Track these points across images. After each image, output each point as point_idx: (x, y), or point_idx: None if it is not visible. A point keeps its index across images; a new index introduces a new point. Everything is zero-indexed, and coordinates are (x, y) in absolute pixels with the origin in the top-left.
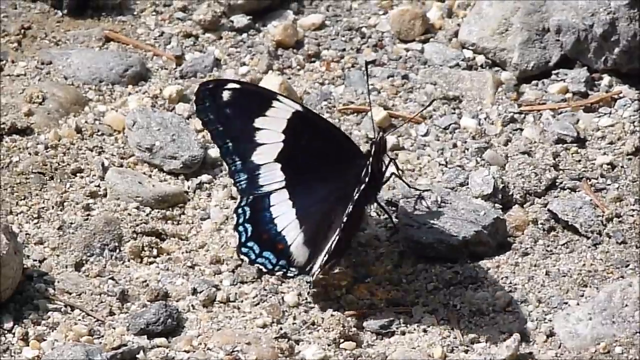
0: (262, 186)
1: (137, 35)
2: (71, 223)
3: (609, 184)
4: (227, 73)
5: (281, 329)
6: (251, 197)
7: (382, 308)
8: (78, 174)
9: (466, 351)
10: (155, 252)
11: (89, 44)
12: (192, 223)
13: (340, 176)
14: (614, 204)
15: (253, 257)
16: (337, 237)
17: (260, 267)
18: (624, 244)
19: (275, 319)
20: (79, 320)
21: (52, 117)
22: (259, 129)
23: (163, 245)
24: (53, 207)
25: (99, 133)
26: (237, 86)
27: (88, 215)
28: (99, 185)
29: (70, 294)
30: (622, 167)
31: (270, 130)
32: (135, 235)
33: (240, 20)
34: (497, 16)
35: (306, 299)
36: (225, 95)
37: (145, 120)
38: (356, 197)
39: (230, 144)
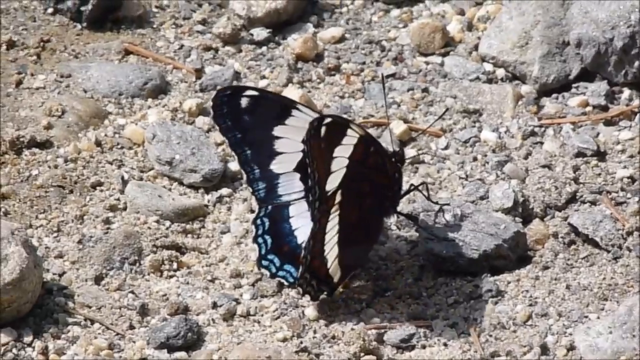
0: (280, 196)
1: (157, 49)
2: (91, 237)
3: (629, 198)
4: None
5: (301, 342)
6: (270, 207)
7: (402, 322)
8: (98, 188)
9: None
10: (175, 265)
11: (109, 57)
12: (212, 237)
13: None
14: (635, 218)
15: (274, 270)
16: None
17: (282, 280)
18: None
19: (296, 333)
20: (99, 334)
21: (71, 130)
22: (278, 137)
23: (183, 259)
24: (73, 221)
25: (119, 146)
26: (256, 93)
27: (108, 228)
28: (118, 199)
29: (90, 307)
30: None
31: (290, 139)
32: (155, 249)
33: (260, 33)
34: (517, 29)
35: (327, 312)
36: (244, 102)
37: (165, 133)
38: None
39: (248, 152)
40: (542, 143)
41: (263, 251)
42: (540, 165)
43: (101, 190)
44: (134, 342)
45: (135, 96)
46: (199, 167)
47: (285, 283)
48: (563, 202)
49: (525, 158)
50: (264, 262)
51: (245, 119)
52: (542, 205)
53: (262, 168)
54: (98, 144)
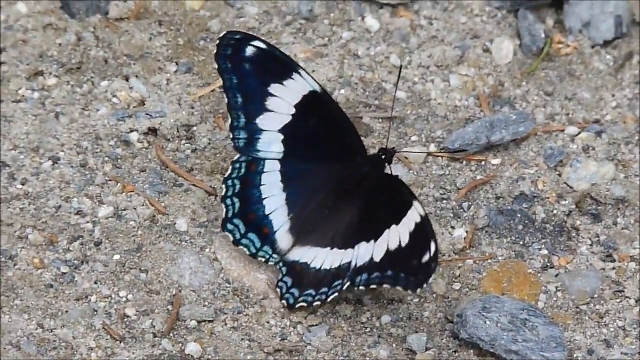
0: (258, 150)
1: None
2: None
3: None
4: None
5: None
6: (243, 168)
7: None
8: None
9: None
10: None
11: None
12: None
13: (338, 169)
14: None
15: (238, 236)
16: None
17: (244, 248)
18: None
19: None
20: None
21: None
22: (272, 95)
23: None
24: None
25: None
26: (263, 46)
27: None
28: None
29: None
30: None
31: (283, 100)
32: None
33: None
34: None
35: None
36: (249, 50)
37: None
38: None
39: (239, 98)
40: None
41: (230, 214)
42: None
43: None
44: None
45: None
46: None
47: (247, 252)
48: None
49: None
50: (229, 226)
51: (245, 67)
52: None
53: (248, 119)
54: None
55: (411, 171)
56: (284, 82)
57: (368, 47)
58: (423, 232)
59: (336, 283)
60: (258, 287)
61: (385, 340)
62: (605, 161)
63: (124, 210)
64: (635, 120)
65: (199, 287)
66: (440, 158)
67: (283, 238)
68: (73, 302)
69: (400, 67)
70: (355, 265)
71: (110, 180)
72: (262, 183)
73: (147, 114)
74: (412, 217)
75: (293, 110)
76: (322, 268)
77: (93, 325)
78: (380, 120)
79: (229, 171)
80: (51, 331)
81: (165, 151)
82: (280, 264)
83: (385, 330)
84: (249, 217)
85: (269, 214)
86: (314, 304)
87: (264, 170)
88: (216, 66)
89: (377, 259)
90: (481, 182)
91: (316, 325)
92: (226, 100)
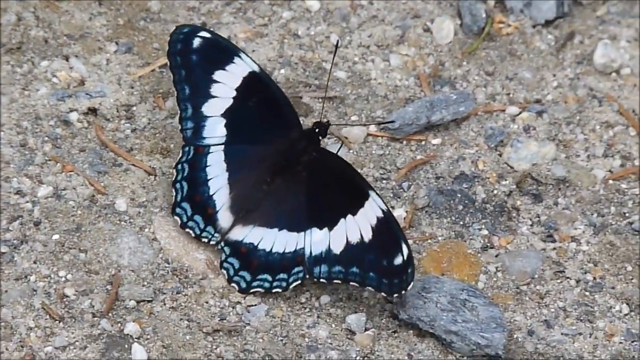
0: (204, 138)
1: None
2: None
3: None
4: None
5: None
6: (192, 152)
7: None
8: None
9: None
10: None
11: None
12: None
13: (275, 146)
14: None
15: (185, 219)
16: None
17: (189, 231)
18: None
19: None
20: None
21: None
22: (216, 81)
23: None
24: None
25: None
26: (208, 36)
27: None
28: None
29: None
30: None
31: (225, 85)
32: None
33: None
34: None
35: None
36: (196, 42)
37: None
38: None
39: (187, 90)
40: None
41: (179, 198)
42: None
43: None
44: None
45: None
46: None
47: (192, 235)
48: None
49: None
50: (178, 210)
51: (192, 59)
52: None
53: (195, 108)
54: None
55: (351, 151)
56: (227, 68)
57: (308, 27)
58: (388, 230)
59: (297, 270)
60: (197, 267)
61: (324, 320)
62: (546, 141)
63: (63, 190)
64: (576, 100)
65: (138, 267)
66: (380, 138)
67: (223, 216)
68: (12, 282)
69: (337, 44)
70: (311, 253)
71: (49, 160)
72: (207, 164)
73: (87, 94)
74: (372, 209)
75: (234, 94)
76: (274, 251)
77: (32, 305)
78: (320, 100)
79: (179, 155)
80: None
81: (105, 131)
82: (222, 243)
83: (325, 311)
84: (195, 199)
85: (213, 194)
86: (274, 290)
87: (209, 151)
88: (157, 46)
89: (336, 250)
90: (421, 162)
91: (255, 305)
92: (176, 93)
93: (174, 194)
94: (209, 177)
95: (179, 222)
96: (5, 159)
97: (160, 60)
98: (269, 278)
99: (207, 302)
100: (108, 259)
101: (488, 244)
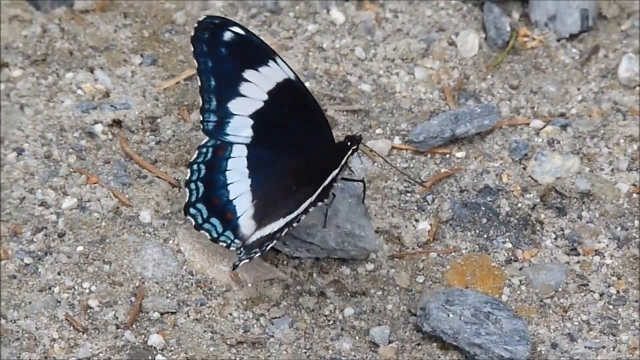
0: (227, 135)
1: None
2: None
3: None
4: None
5: None
6: (209, 155)
7: None
8: None
9: None
10: None
11: None
12: None
13: (305, 156)
14: None
15: (200, 221)
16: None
17: (205, 233)
18: None
19: None
20: None
21: None
22: (246, 80)
23: None
24: None
25: None
26: (242, 32)
27: None
28: None
29: None
30: None
31: (257, 87)
32: None
33: None
34: None
35: None
36: (227, 35)
37: None
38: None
39: (212, 82)
40: None
41: (193, 198)
42: None
43: None
44: None
45: None
46: None
47: (208, 237)
48: None
49: None
50: (192, 211)
51: (222, 51)
52: None
53: (220, 102)
54: None
55: (375, 164)
56: (260, 69)
57: (333, 39)
58: None
59: None
60: (221, 279)
61: (348, 333)
62: (570, 155)
63: (88, 201)
64: (600, 113)
65: (162, 278)
66: (404, 151)
67: (246, 224)
68: (36, 293)
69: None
70: None
71: (74, 171)
72: (228, 168)
73: (111, 105)
74: None
75: (265, 97)
76: None
77: (56, 317)
78: (344, 113)
79: (194, 156)
80: (14, 322)
81: (130, 143)
82: (242, 249)
83: (348, 323)
84: (212, 202)
85: (234, 199)
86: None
87: (231, 155)
88: (182, 59)
89: None
90: (446, 175)
91: (279, 317)
92: (199, 83)
93: (188, 193)
94: (228, 181)
95: (193, 222)
96: (30, 171)
97: (186, 73)
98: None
99: (230, 314)
100: (132, 271)
101: (512, 257)
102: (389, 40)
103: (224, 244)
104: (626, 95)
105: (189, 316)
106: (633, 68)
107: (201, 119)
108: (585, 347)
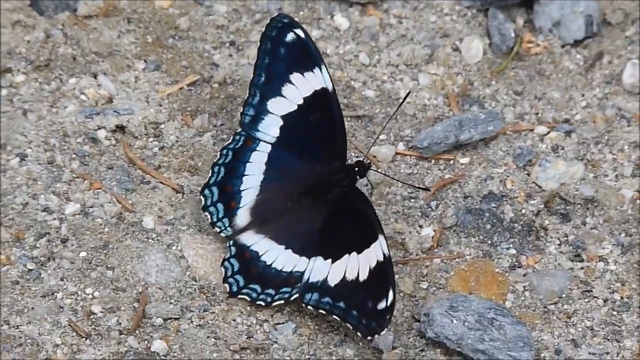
0: (258, 130)
1: None
2: None
3: None
4: None
5: None
6: (239, 144)
7: None
8: None
9: None
10: None
11: None
12: None
13: (315, 169)
14: None
15: (208, 203)
16: None
17: (207, 215)
18: None
19: None
20: None
21: None
22: (291, 82)
23: None
24: None
25: None
26: (302, 35)
27: None
28: None
29: None
30: None
31: (297, 90)
32: None
33: None
34: None
35: None
36: (289, 36)
37: None
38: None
39: (262, 78)
40: None
41: (212, 181)
42: None
43: None
44: None
45: None
46: None
47: (208, 220)
48: None
49: None
50: (206, 192)
51: (280, 51)
52: None
53: (262, 99)
54: None
55: (379, 170)
56: (305, 74)
57: (337, 45)
58: (383, 274)
59: (284, 289)
60: (224, 285)
61: (351, 338)
62: (575, 161)
63: (91, 207)
64: (604, 120)
65: (165, 284)
66: (408, 157)
67: (242, 215)
68: (39, 299)
69: (407, 95)
70: (308, 279)
71: (77, 177)
72: (250, 160)
73: (115, 111)
74: (375, 252)
75: (301, 102)
76: (273, 266)
77: (59, 322)
78: (348, 118)
79: (229, 141)
80: (17, 328)
81: (133, 149)
82: (231, 241)
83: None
84: (225, 188)
85: (243, 190)
86: (257, 302)
87: (257, 149)
88: (185, 64)
89: (331, 283)
90: (450, 181)
91: (283, 323)
92: (252, 76)
93: (210, 174)
94: (245, 172)
95: (203, 203)
96: (33, 176)
97: (189, 78)
98: (258, 289)
99: (234, 320)
100: (135, 277)
101: (516, 263)
102: (393, 46)
103: (218, 229)
104: (630, 101)
105: (192, 322)
106: (637, 74)
107: (242, 110)
108: (589, 353)
